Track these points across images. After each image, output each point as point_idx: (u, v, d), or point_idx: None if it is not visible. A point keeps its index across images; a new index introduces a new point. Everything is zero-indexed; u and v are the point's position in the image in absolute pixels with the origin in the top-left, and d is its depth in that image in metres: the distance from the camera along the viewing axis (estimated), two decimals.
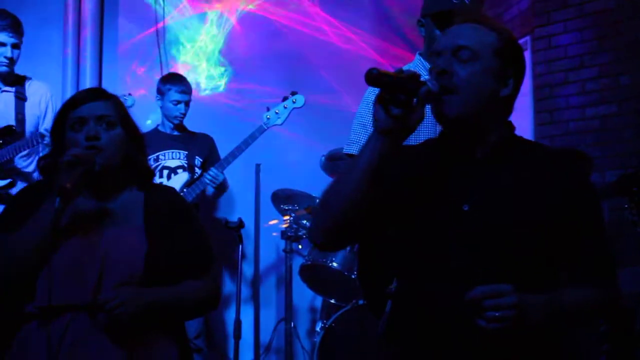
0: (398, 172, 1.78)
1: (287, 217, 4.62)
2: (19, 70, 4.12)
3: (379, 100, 1.65)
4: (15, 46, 3.96)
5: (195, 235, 2.21)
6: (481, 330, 1.60)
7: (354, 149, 2.74)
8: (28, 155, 4.04)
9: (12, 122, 3.98)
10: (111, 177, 2.14)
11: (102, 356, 1.96)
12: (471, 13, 1.82)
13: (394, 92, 1.62)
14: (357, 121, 2.79)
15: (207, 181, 4.33)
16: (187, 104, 4.56)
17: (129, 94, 4.12)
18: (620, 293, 1.83)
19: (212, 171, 4.32)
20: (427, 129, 2.40)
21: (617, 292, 1.82)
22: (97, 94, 2.19)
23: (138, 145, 2.22)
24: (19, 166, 4.01)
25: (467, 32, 1.79)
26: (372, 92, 2.77)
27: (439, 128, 1.90)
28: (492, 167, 1.79)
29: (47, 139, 3.85)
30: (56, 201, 1.93)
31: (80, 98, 2.16)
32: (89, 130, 2.08)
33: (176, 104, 4.51)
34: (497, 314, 1.58)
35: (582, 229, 1.76)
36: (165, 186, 2.38)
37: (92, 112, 2.11)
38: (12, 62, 3.98)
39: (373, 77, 1.58)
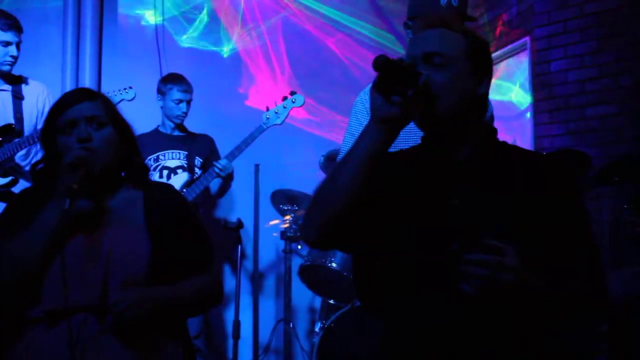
0: (383, 177, 1.78)
1: (287, 218, 4.61)
2: (18, 69, 4.13)
3: (377, 89, 1.67)
4: (18, 45, 4.00)
5: (196, 232, 2.21)
6: (479, 329, 1.60)
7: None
8: (26, 155, 4.05)
9: (11, 120, 3.99)
10: (107, 177, 2.13)
11: (112, 358, 1.95)
12: (439, 18, 1.87)
13: (395, 80, 1.65)
14: (347, 131, 2.91)
15: (217, 170, 4.31)
16: (188, 103, 4.56)
17: (130, 87, 4.13)
18: (607, 292, 1.82)
19: (223, 161, 4.31)
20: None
21: (603, 290, 1.79)
22: (84, 94, 2.15)
23: (130, 143, 2.19)
24: (21, 164, 4.01)
25: (436, 38, 1.81)
26: (359, 103, 2.92)
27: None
28: (475, 170, 1.80)
29: None
30: (66, 203, 1.93)
31: (67, 101, 2.13)
32: (79, 132, 2.06)
33: (178, 103, 4.52)
34: (490, 273, 1.55)
35: (566, 229, 1.75)
36: (163, 183, 2.37)
37: (81, 113, 2.09)
38: (15, 60, 4.02)
39: (381, 63, 1.61)
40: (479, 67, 1.82)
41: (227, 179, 4.44)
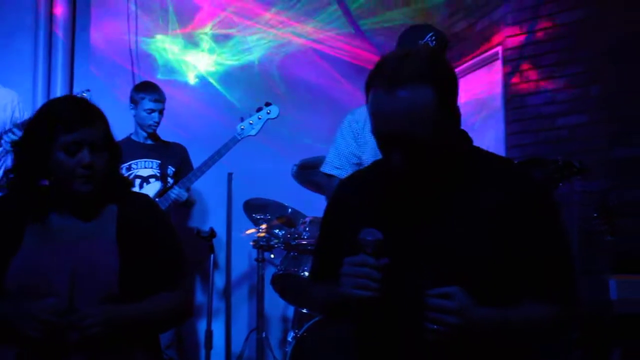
0: (355, 201, 1.84)
1: (263, 226, 4.60)
2: None
3: None
4: None
5: (169, 246, 2.19)
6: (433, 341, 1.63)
7: (327, 169, 3.20)
8: None
9: None
10: (94, 198, 2.11)
11: None
12: (397, 74, 1.62)
13: None
14: (333, 146, 3.19)
15: (173, 197, 4.32)
16: (160, 112, 4.52)
17: (87, 90, 4.05)
18: (579, 307, 1.81)
19: (176, 189, 4.31)
20: None
21: (575, 307, 1.80)
22: (90, 116, 2.09)
23: (118, 161, 2.20)
24: None
25: (403, 112, 1.63)
26: (347, 123, 3.18)
27: None
28: (451, 185, 1.78)
29: (10, 135, 3.78)
30: None
31: (74, 120, 2.06)
32: (83, 158, 2.03)
33: (150, 113, 4.48)
34: (438, 317, 1.61)
35: (540, 244, 1.74)
36: (140, 194, 2.35)
37: (86, 137, 2.05)
38: None
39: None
40: (450, 101, 1.70)
41: (184, 205, 4.45)
